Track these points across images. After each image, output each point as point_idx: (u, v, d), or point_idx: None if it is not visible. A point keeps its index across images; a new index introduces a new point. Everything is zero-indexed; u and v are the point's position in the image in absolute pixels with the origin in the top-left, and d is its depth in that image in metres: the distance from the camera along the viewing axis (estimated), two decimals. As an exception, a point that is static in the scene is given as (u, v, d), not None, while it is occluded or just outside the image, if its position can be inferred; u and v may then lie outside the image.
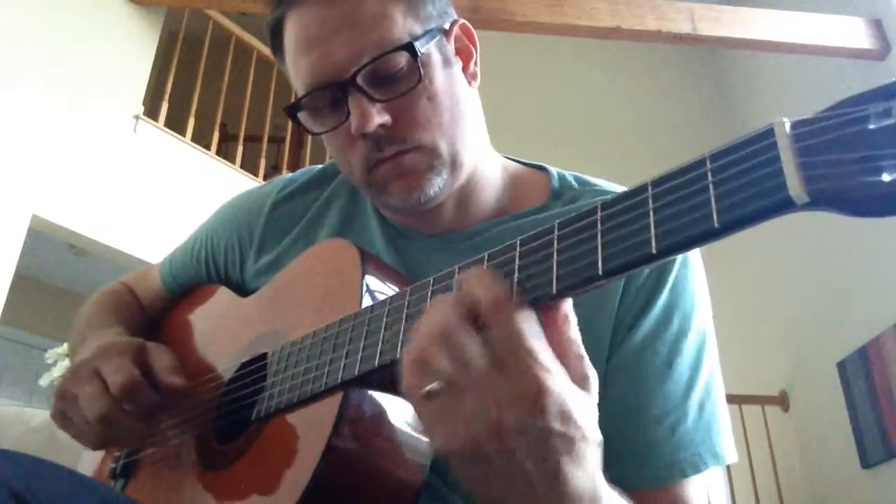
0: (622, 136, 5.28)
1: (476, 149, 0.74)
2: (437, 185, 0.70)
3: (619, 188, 0.77)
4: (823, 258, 4.08)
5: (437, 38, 0.70)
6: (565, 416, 0.42)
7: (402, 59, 0.67)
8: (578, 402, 0.43)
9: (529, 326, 0.43)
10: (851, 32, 3.95)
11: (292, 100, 0.72)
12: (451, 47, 0.73)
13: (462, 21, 0.76)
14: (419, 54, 0.67)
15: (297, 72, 0.69)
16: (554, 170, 0.80)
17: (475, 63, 0.76)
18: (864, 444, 3.71)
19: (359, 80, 0.66)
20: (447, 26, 0.73)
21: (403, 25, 0.67)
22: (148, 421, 0.71)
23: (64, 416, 0.73)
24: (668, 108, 5.46)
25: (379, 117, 0.66)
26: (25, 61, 3.79)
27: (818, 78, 4.29)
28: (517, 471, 0.42)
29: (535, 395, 0.41)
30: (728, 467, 3.81)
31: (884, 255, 3.66)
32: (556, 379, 0.42)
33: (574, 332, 0.46)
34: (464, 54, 0.75)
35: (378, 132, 0.66)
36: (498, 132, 0.76)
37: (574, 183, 0.78)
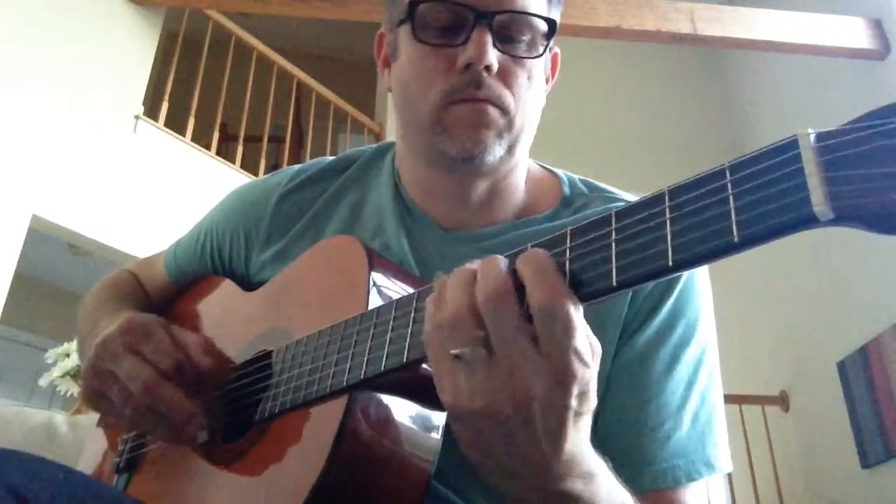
0: (621, 135, 5.27)
1: (525, 150, 0.76)
2: (497, 153, 0.70)
3: (632, 197, 0.77)
4: (823, 258, 4.08)
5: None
6: (583, 397, 0.45)
7: (531, 31, 0.70)
8: (592, 382, 0.45)
9: (579, 321, 0.43)
10: (851, 32, 3.94)
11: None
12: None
13: (557, 50, 0.80)
14: (555, 33, 0.71)
15: None
16: (564, 175, 0.81)
17: (546, 90, 0.79)
18: (864, 444, 3.71)
19: (496, 20, 0.68)
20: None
21: (548, 10, 0.73)
22: (195, 393, 0.68)
23: (98, 393, 0.70)
24: (667, 108, 5.45)
25: (493, 59, 0.67)
26: (25, 61, 3.78)
27: (818, 78, 4.29)
28: (528, 436, 0.45)
29: (567, 381, 0.43)
30: (728, 467, 3.81)
31: (884, 255, 3.66)
32: (589, 369, 0.44)
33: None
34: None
35: (482, 72, 0.67)
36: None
37: (584, 189, 0.79)
